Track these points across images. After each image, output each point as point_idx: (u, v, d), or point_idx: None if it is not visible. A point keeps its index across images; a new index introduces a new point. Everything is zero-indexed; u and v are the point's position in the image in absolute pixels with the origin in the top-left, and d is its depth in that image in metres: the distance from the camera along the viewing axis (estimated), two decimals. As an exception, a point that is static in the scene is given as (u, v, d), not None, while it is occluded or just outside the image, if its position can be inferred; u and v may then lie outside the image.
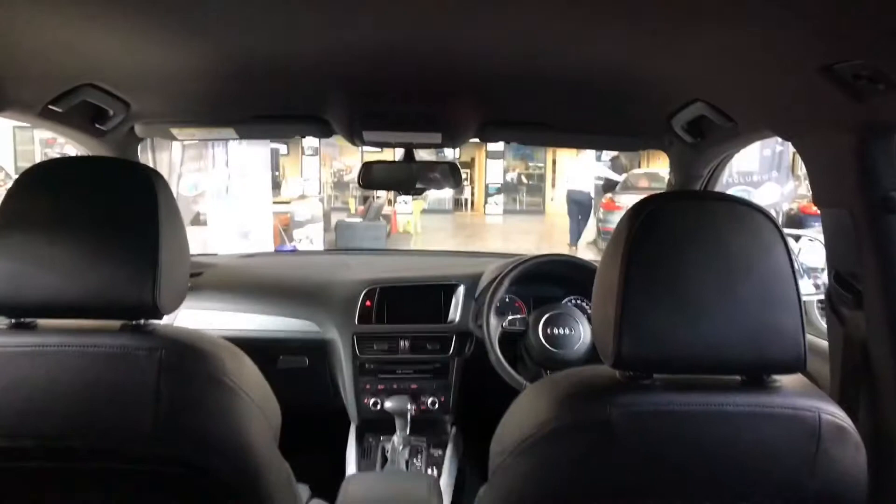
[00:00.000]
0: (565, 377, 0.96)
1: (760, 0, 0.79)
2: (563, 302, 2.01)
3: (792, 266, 0.84)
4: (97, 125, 1.48)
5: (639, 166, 15.42)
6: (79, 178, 0.93)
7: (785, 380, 0.86)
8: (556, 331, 1.82)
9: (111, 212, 0.93)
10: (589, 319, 1.86)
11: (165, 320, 1.89)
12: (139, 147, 1.77)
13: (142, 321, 0.96)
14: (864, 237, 1.03)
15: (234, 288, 2.13)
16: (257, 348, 2.04)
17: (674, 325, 0.82)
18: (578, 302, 2.03)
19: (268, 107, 1.55)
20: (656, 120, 1.45)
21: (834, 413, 0.83)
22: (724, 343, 0.82)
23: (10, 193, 0.91)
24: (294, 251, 6.42)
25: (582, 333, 1.83)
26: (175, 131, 1.64)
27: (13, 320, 0.93)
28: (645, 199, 0.88)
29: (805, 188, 9.55)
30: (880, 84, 0.86)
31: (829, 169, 1.08)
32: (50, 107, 1.29)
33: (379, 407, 1.98)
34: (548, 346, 1.81)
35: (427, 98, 1.43)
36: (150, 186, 0.94)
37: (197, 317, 2.01)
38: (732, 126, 1.27)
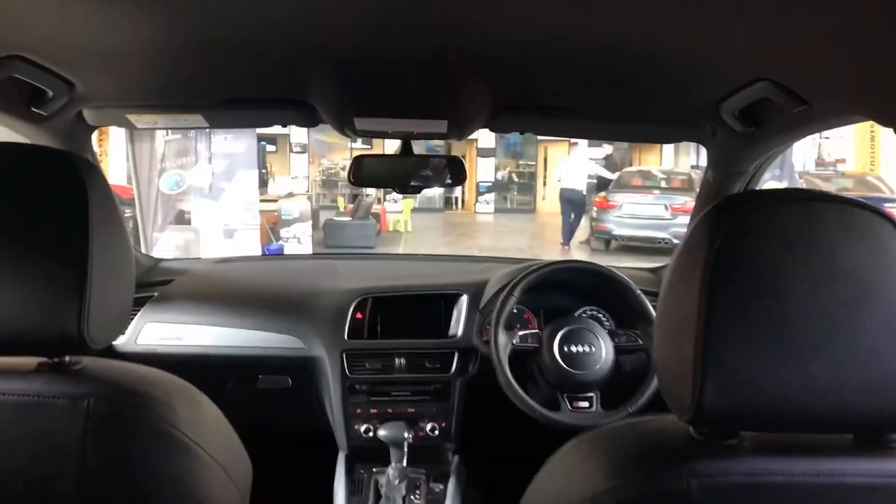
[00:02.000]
0: (622, 432, 0.74)
1: None
2: (578, 314, 1.80)
3: None
4: (34, 109, 1.24)
5: (630, 164, 15.35)
6: None
7: None
8: (573, 348, 1.61)
9: (26, 216, 0.72)
10: (610, 335, 1.65)
11: (126, 336, 1.68)
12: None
13: (66, 358, 0.76)
14: None
15: (209, 298, 1.90)
16: (234, 367, 1.84)
17: (771, 369, 0.61)
18: (594, 313, 1.82)
19: (242, 89, 1.32)
20: (703, 105, 1.23)
21: None
22: (838, 392, 0.61)
23: None
24: (276, 255, 6.23)
25: (603, 351, 1.61)
26: (132, 118, 1.40)
27: None
28: (727, 202, 0.66)
29: (803, 185, 9.46)
30: None
31: None
32: None
33: (371, 434, 1.76)
34: (565, 366, 1.60)
35: (431, 79, 1.21)
36: (78, 182, 0.73)
37: (164, 331, 1.80)
38: (804, 110, 1.05)
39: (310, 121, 1.41)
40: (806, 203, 0.65)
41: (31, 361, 0.75)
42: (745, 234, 0.63)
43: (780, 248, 0.62)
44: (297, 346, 1.81)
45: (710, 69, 1.08)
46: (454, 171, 1.64)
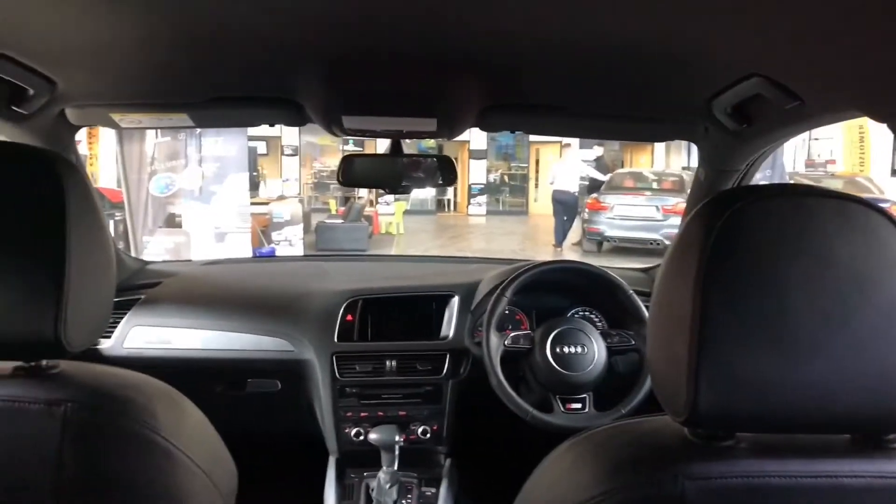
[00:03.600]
0: (616, 435, 0.73)
1: None
2: (570, 315, 1.79)
3: None
4: (14, 108, 1.22)
5: (622, 166, 15.39)
6: None
7: None
8: (566, 349, 1.60)
9: (1, 215, 0.69)
10: (602, 335, 1.63)
11: (112, 341, 1.65)
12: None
13: (43, 362, 0.74)
14: None
15: (197, 301, 1.88)
16: (222, 371, 1.82)
17: (769, 369, 0.60)
18: (586, 314, 1.81)
19: (227, 87, 1.30)
20: (694, 102, 1.22)
21: None
22: (835, 391, 0.60)
23: None
24: (265, 257, 6.20)
25: (595, 352, 1.60)
26: (116, 117, 1.38)
27: None
28: (721, 197, 0.65)
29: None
30: None
31: None
32: None
33: (362, 437, 1.74)
34: (557, 367, 1.58)
35: (420, 77, 1.19)
36: (55, 181, 0.71)
37: (152, 334, 1.79)
38: (797, 107, 1.03)
39: (297, 119, 1.39)
40: (800, 198, 0.63)
41: (6, 366, 0.73)
42: (738, 230, 0.61)
43: (775, 244, 0.61)
44: (287, 349, 1.79)
45: (702, 65, 1.07)
46: (445, 172, 1.63)
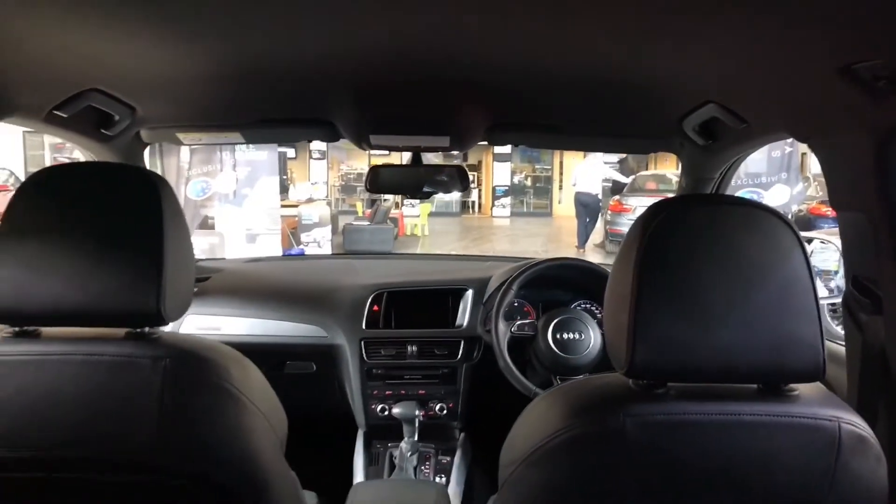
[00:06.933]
0: (577, 386, 0.94)
1: None
2: (572, 306, 1.99)
3: (810, 272, 0.82)
4: (102, 130, 1.47)
5: (646, 168, 15.39)
6: (83, 184, 0.92)
7: (803, 388, 0.84)
8: (565, 336, 1.80)
9: (115, 218, 0.91)
10: (599, 324, 1.84)
11: (171, 326, 1.90)
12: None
13: (146, 329, 0.95)
14: (884, 241, 1.00)
15: (241, 293, 2.12)
16: (264, 353, 2.06)
17: (688, 333, 0.80)
18: (587, 306, 2.01)
19: (275, 110, 1.54)
20: (667, 122, 1.43)
21: (854, 422, 0.81)
22: (740, 351, 0.80)
23: (14, 199, 0.89)
24: (301, 255, 6.43)
25: (592, 338, 1.80)
26: (181, 136, 1.62)
27: (16, 328, 0.91)
28: (657, 204, 0.86)
29: (814, 190, 9.47)
30: None
31: (847, 171, 1.05)
32: (55, 112, 1.27)
33: (387, 413, 1.97)
34: (557, 351, 1.79)
35: (435, 102, 1.41)
36: (154, 192, 0.92)
37: (203, 322, 2.02)
38: (745, 128, 1.24)
39: (332, 137, 1.62)
40: (716, 206, 0.85)
41: (119, 331, 0.94)
42: (667, 229, 0.82)
43: (695, 240, 0.82)
44: (321, 335, 2.03)
45: (670, 92, 1.27)
46: (460, 179, 1.84)
